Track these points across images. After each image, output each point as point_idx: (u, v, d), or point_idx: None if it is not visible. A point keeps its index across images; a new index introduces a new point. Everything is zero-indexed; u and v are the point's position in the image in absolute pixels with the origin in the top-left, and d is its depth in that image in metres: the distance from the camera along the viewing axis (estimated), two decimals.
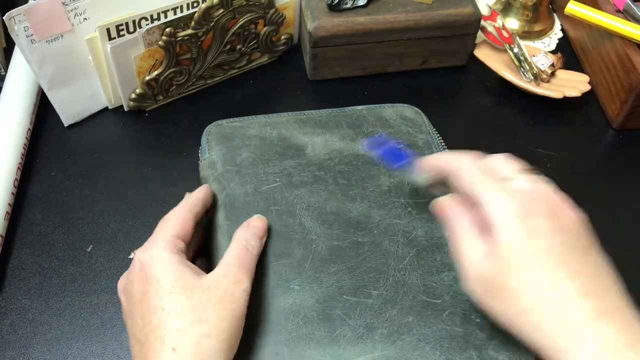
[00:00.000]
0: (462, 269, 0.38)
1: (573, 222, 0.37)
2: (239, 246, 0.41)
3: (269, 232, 0.44)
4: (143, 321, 0.36)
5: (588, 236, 0.37)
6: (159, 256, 0.38)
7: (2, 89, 0.59)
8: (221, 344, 0.36)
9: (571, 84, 0.62)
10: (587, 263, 0.35)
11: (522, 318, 0.34)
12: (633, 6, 0.62)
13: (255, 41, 0.63)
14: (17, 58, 0.61)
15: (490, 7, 0.67)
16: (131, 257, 0.43)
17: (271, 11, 0.61)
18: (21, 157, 0.55)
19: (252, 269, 0.40)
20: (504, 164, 0.40)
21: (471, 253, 0.38)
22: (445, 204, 0.41)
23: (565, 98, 0.61)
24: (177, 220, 0.41)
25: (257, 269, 0.41)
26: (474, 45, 0.66)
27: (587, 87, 0.62)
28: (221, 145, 0.50)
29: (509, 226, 0.36)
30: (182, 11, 0.56)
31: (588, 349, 0.32)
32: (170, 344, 0.35)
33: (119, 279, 0.48)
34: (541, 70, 0.63)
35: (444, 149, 0.52)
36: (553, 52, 0.69)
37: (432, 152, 0.51)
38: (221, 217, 0.46)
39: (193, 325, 0.35)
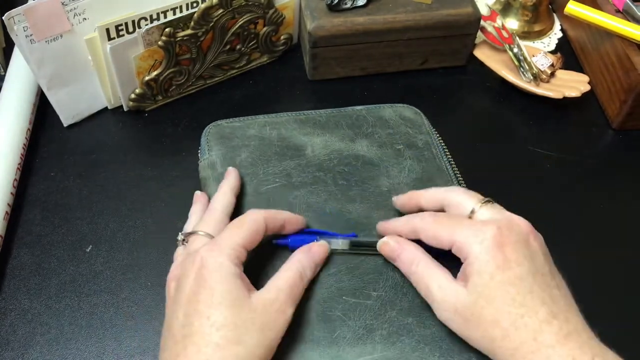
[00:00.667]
0: (434, 301, 0.39)
1: (540, 245, 0.39)
2: (294, 273, 0.40)
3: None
4: (185, 320, 0.36)
5: (550, 257, 0.39)
6: (221, 263, 0.37)
7: (2, 89, 0.59)
8: None
9: (571, 84, 0.62)
10: (553, 287, 0.37)
11: (499, 343, 0.36)
12: (633, 6, 0.61)
13: (254, 41, 0.63)
14: (17, 58, 0.61)
15: (489, 7, 0.67)
16: (179, 238, 0.43)
17: (271, 11, 0.61)
18: (20, 158, 0.55)
19: (299, 298, 0.40)
20: (465, 199, 0.41)
21: (442, 286, 0.38)
22: (395, 242, 0.42)
23: (565, 98, 0.61)
24: (250, 230, 0.40)
25: (256, 270, 0.41)
26: (474, 46, 0.66)
27: (587, 87, 0.62)
28: (221, 145, 0.50)
29: (482, 260, 0.37)
30: (181, 11, 0.56)
31: None
32: (205, 356, 0.35)
33: (118, 279, 0.49)
34: (541, 71, 0.63)
35: (443, 149, 0.52)
36: (553, 52, 0.69)
37: (432, 153, 0.51)
38: None
39: (231, 344, 0.35)
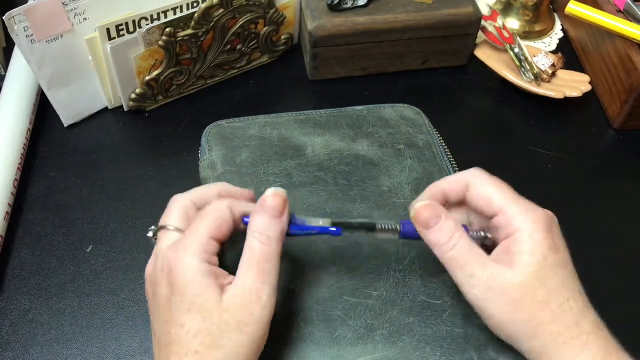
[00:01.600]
0: (477, 279, 0.36)
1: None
2: (252, 246, 0.36)
3: None
4: (164, 329, 0.35)
5: None
6: (187, 263, 0.35)
7: (2, 89, 0.59)
8: None
9: (572, 84, 0.62)
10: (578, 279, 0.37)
11: (545, 327, 0.35)
12: (633, 6, 0.61)
13: (255, 41, 0.63)
14: (17, 58, 0.61)
15: (490, 7, 0.67)
16: (149, 234, 0.39)
17: (271, 11, 0.61)
18: (21, 157, 0.55)
19: (273, 269, 0.36)
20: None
21: (487, 264, 0.36)
22: (434, 209, 0.38)
23: (565, 98, 0.61)
24: (215, 219, 0.37)
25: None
26: (474, 45, 0.66)
27: (588, 87, 0.62)
28: (221, 145, 0.50)
29: (535, 239, 0.36)
30: (182, 11, 0.56)
31: (597, 354, 0.34)
32: None
33: (118, 279, 0.49)
34: (542, 70, 0.62)
35: (444, 149, 0.52)
36: (553, 52, 0.69)
37: (433, 152, 0.51)
38: None
39: (210, 349, 0.34)
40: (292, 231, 0.39)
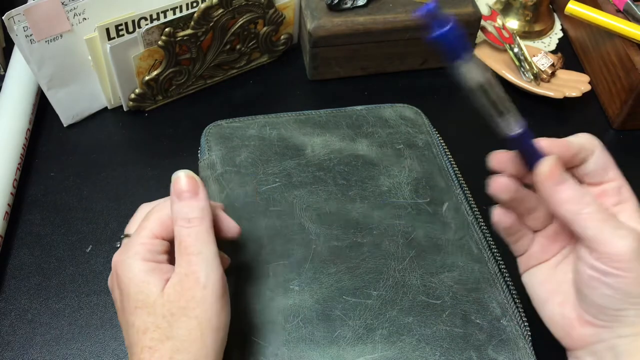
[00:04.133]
0: (625, 234, 0.34)
1: None
2: (177, 234, 0.36)
3: (267, 232, 0.44)
4: (125, 331, 0.36)
5: None
6: (129, 265, 0.35)
7: (1, 89, 0.59)
8: (197, 354, 0.34)
9: (571, 84, 0.62)
10: None
11: None
12: (633, 6, 0.61)
13: (254, 41, 0.63)
14: (17, 58, 0.61)
15: (490, 7, 0.67)
16: (117, 245, 0.39)
17: (271, 11, 0.61)
18: (20, 158, 0.55)
19: (206, 249, 0.35)
20: None
21: (629, 224, 0.35)
22: (560, 165, 0.36)
23: (565, 98, 0.61)
24: (158, 217, 0.37)
25: (256, 270, 0.41)
26: (474, 45, 0.66)
27: (588, 87, 0.62)
28: (220, 145, 0.50)
29: None
30: (181, 11, 0.56)
31: None
32: None
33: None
34: (541, 70, 0.62)
35: (444, 149, 0.52)
36: (553, 52, 0.69)
37: (432, 152, 0.51)
38: None
39: (162, 342, 0.34)
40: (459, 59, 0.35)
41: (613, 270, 0.34)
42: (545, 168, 0.36)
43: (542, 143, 0.38)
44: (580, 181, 0.38)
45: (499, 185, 0.38)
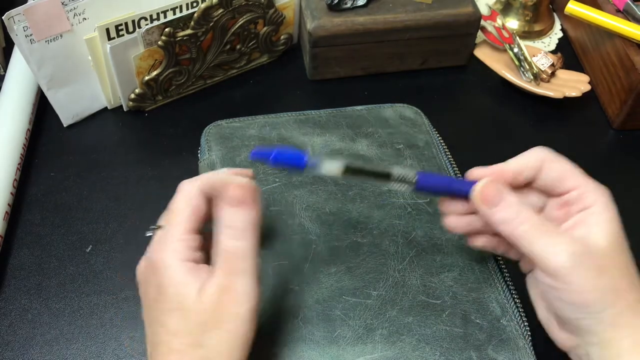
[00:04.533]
0: (560, 247, 0.34)
1: None
2: (220, 240, 0.35)
3: (268, 232, 0.44)
4: (150, 329, 0.36)
5: None
6: (167, 264, 0.35)
7: (1, 89, 0.59)
8: None
9: (571, 84, 0.62)
10: None
11: (624, 294, 0.34)
12: (633, 6, 0.61)
13: (254, 41, 0.63)
14: (16, 58, 0.61)
15: (490, 7, 0.67)
16: (149, 234, 0.38)
17: (271, 11, 0.61)
18: (20, 158, 0.55)
19: (247, 263, 0.35)
20: None
21: (568, 232, 0.36)
22: (498, 187, 0.37)
23: (565, 98, 0.61)
24: (188, 211, 0.36)
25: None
26: (474, 45, 0.66)
27: (587, 87, 0.62)
28: (220, 145, 0.50)
29: (611, 209, 0.36)
30: (181, 11, 0.56)
31: None
32: None
33: (118, 279, 0.49)
34: (541, 70, 0.62)
35: (444, 149, 0.52)
36: (553, 52, 0.69)
37: (432, 152, 0.51)
38: None
39: (192, 348, 0.33)
40: (304, 169, 0.37)
41: (555, 284, 0.35)
42: (475, 194, 0.38)
43: (474, 173, 0.39)
44: (547, 194, 0.39)
45: (449, 225, 0.41)
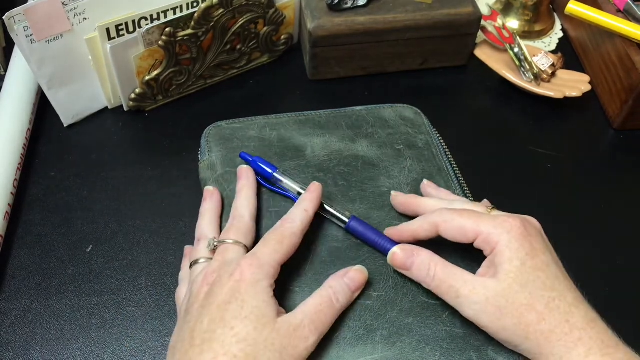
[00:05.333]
0: (460, 297, 0.38)
1: (548, 242, 0.40)
2: (324, 299, 0.39)
3: (267, 233, 0.44)
4: (208, 327, 0.36)
5: None
6: (258, 280, 0.37)
7: (2, 89, 0.59)
8: None
9: (572, 84, 0.62)
10: (568, 277, 0.39)
11: (535, 327, 0.36)
12: (633, 6, 0.61)
13: (255, 41, 0.63)
14: (17, 58, 0.61)
15: (490, 7, 0.67)
16: (209, 246, 0.42)
17: (271, 11, 0.61)
18: (21, 158, 0.55)
19: (328, 325, 0.39)
20: (472, 205, 0.43)
21: (468, 281, 0.38)
22: (405, 250, 0.41)
23: (565, 98, 0.61)
24: (290, 247, 0.40)
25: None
26: (474, 45, 0.66)
27: (588, 87, 0.62)
28: (221, 146, 0.50)
29: (512, 247, 0.38)
30: (182, 11, 0.56)
31: (592, 348, 0.35)
32: None
33: (118, 279, 0.49)
34: (542, 70, 0.62)
35: (443, 149, 0.52)
36: (553, 52, 0.69)
37: (432, 153, 0.51)
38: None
39: (248, 357, 0.35)
40: (263, 183, 0.46)
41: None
42: (389, 262, 0.42)
43: (389, 232, 0.43)
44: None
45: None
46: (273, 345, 0.35)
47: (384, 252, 0.43)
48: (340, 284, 0.40)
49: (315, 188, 0.44)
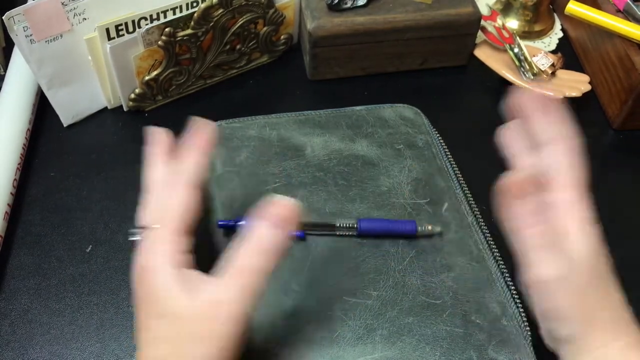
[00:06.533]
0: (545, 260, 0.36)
1: None
2: (238, 260, 0.33)
3: None
4: (138, 330, 0.35)
5: None
6: (156, 269, 0.34)
7: (1, 89, 0.59)
8: None
9: (571, 84, 0.62)
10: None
11: (602, 313, 0.36)
12: (633, 6, 0.61)
13: (255, 41, 0.62)
14: (17, 58, 0.61)
15: (490, 7, 0.67)
16: (134, 238, 0.37)
17: (271, 11, 0.61)
18: (20, 158, 0.55)
19: (259, 286, 0.33)
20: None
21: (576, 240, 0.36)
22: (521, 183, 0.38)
23: (565, 98, 0.61)
24: (181, 211, 0.35)
25: None
26: (474, 45, 0.66)
27: (588, 87, 0.62)
28: (220, 146, 0.50)
29: (589, 228, 0.37)
30: (181, 11, 0.56)
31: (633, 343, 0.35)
32: None
33: (118, 279, 0.49)
34: (541, 70, 0.62)
35: (443, 149, 0.52)
36: (553, 52, 0.69)
37: (432, 152, 0.51)
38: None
39: (171, 357, 0.32)
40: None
41: (539, 293, 0.37)
42: (502, 184, 0.38)
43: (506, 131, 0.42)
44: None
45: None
46: (194, 336, 0.32)
47: (406, 234, 0.44)
48: (262, 230, 0.33)
49: (202, 127, 0.38)
